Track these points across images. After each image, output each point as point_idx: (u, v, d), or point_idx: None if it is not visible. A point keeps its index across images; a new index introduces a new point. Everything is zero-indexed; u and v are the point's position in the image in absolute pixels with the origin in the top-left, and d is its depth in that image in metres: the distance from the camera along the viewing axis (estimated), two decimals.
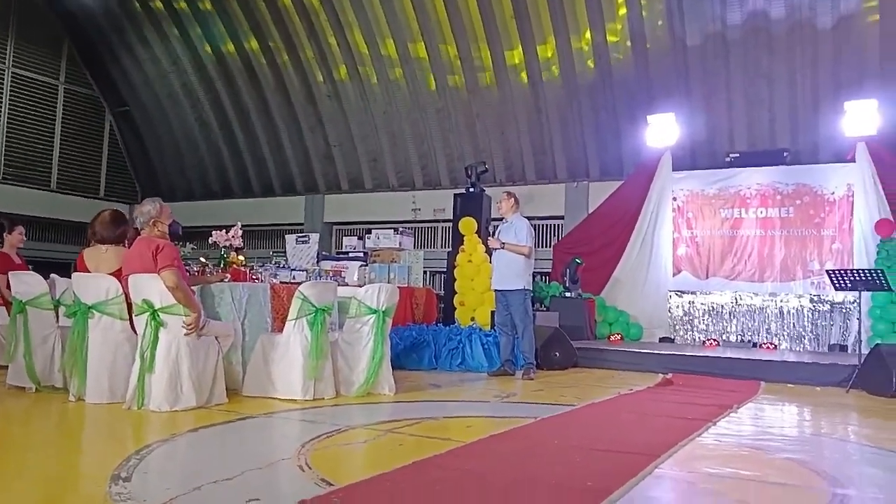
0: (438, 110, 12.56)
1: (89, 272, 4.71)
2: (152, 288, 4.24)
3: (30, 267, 6.05)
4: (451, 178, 12.80)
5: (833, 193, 9.53)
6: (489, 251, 7.07)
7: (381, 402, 4.91)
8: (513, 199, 6.76)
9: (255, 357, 4.83)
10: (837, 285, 6.77)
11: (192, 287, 4.76)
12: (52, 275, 5.29)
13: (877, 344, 6.76)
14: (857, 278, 6.60)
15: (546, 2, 10.95)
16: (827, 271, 7.04)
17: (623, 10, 10.72)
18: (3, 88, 13.58)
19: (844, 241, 9.42)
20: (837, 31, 9.86)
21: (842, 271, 6.77)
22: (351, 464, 3.31)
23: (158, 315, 4.23)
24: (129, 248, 4.77)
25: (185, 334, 4.23)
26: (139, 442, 3.46)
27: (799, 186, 9.71)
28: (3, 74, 13.57)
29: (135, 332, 4.40)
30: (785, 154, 10.03)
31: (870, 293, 8.32)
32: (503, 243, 6.54)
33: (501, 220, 6.94)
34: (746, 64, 10.48)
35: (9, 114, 13.71)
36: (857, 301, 7.25)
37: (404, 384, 5.65)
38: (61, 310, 5.03)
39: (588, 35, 11.03)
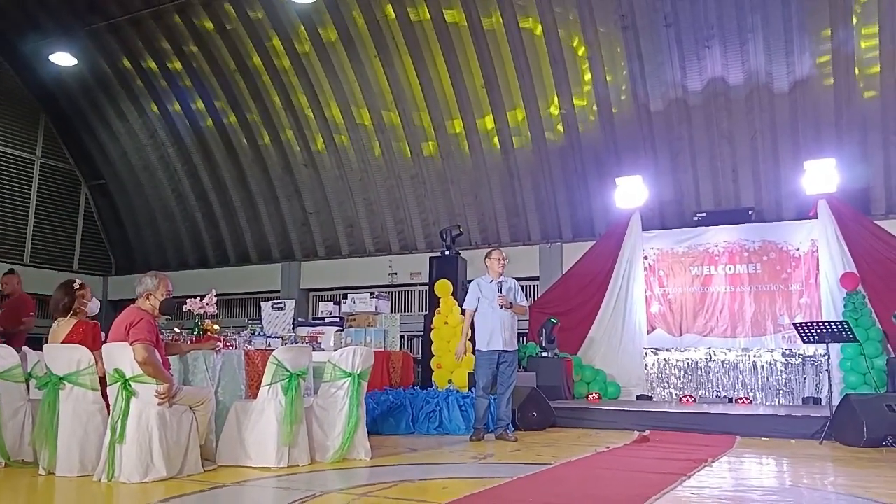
0: (413, 176, 12.81)
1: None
2: (124, 357, 4.23)
3: (1, 340, 6.00)
4: (426, 242, 12.95)
5: (798, 249, 9.79)
6: (464, 311, 6.89)
7: (357, 466, 4.88)
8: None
9: (229, 425, 4.78)
10: (805, 338, 6.91)
11: (175, 354, 4.79)
12: (24, 347, 5.26)
13: (847, 395, 6.86)
14: (824, 330, 6.75)
15: (515, 72, 11.36)
16: (794, 324, 7.18)
17: (588, 80, 11.14)
18: None
19: (812, 296, 9.62)
20: (794, 94, 10.30)
21: (809, 324, 6.92)
22: None
23: (130, 384, 4.21)
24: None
25: (158, 404, 4.22)
26: None
27: (765, 243, 9.97)
28: None
29: (107, 402, 4.37)
30: (750, 212, 10.36)
31: (839, 345, 8.48)
32: (511, 304, 6.49)
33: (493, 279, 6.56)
34: (708, 127, 10.86)
35: None
36: (827, 353, 7.37)
37: (381, 449, 5.61)
38: (32, 383, 4.97)
39: (556, 102, 11.43)
